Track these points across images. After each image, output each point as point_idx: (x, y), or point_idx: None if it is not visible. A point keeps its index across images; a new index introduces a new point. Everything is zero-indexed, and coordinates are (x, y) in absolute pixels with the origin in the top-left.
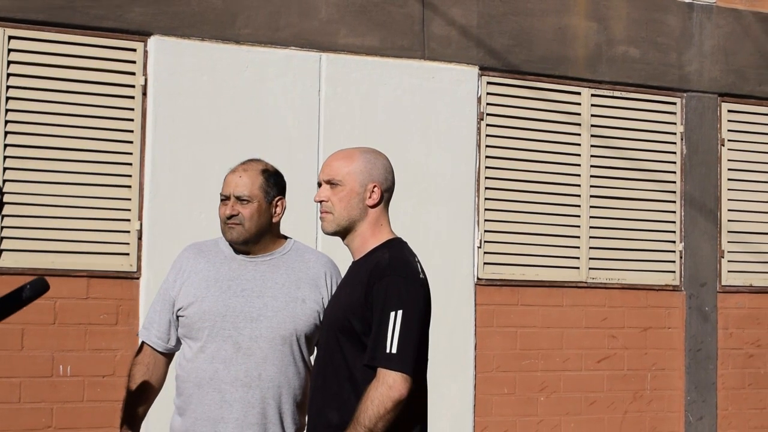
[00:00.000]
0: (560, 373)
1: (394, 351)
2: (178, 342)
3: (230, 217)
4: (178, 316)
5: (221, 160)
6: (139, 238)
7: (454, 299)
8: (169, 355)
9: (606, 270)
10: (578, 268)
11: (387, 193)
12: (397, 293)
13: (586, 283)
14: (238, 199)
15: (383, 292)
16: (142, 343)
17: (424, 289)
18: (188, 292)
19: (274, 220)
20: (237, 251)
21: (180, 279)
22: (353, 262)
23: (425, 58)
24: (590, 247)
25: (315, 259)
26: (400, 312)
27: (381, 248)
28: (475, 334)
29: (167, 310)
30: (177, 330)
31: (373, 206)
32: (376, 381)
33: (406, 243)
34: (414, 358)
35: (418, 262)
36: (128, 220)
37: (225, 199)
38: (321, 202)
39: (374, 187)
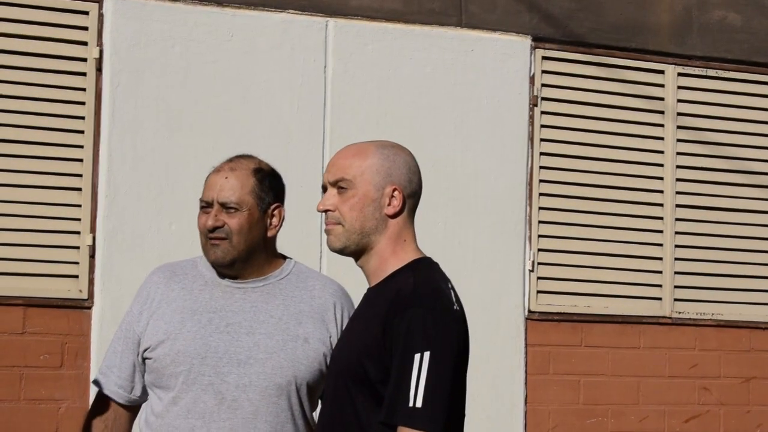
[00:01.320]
0: None
1: (419, 405)
2: (144, 392)
3: (213, 230)
4: (144, 359)
5: (197, 156)
6: (91, 256)
7: (499, 338)
8: (133, 409)
9: (696, 302)
10: (660, 299)
11: (411, 199)
12: (423, 330)
13: (670, 318)
14: (224, 206)
15: (405, 328)
16: (99, 393)
17: (458, 324)
18: (158, 328)
19: (270, 234)
20: (222, 275)
21: (147, 311)
22: (369, 289)
23: (462, 25)
24: (676, 272)
25: (321, 286)
26: (427, 354)
27: (403, 271)
28: (526, 383)
29: (131, 351)
30: (143, 376)
31: (394, 216)
32: None
33: (436, 264)
34: (445, 415)
35: (452, 289)
36: (77, 232)
37: (206, 206)
38: (326, 211)
39: (394, 190)
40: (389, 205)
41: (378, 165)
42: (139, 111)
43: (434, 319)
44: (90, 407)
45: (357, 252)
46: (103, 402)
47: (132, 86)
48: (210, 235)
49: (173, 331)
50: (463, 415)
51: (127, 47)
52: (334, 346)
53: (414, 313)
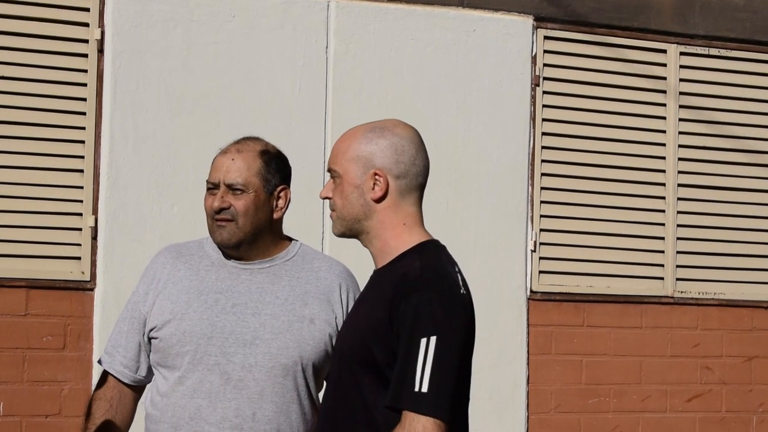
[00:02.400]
0: (638, 415)
1: (424, 390)
2: (150, 372)
3: (219, 211)
4: (150, 339)
5: (199, 137)
6: (94, 238)
7: (501, 319)
8: (137, 389)
9: (699, 281)
10: (662, 278)
11: (400, 180)
12: (430, 314)
13: (672, 298)
14: (230, 188)
15: (412, 312)
16: (104, 372)
17: (465, 308)
18: (164, 308)
19: (276, 215)
20: (228, 256)
21: (153, 291)
22: (375, 271)
23: (464, 5)
24: (678, 252)
25: (327, 267)
26: (433, 339)
27: (409, 254)
28: (528, 363)
29: (136, 331)
30: (149, 356)
31: (379, 200)
32: (400, 428)
33: (443, 247)
34: (451, 399)
35: (459, 272)
36: (79, 214)
37: (213, 188)
38: (327, 198)
39: (376, 175)
40: (372, 189)
41: (359, 150)
42: (141, 92)
43: (441, 303)
44: (95, 387)
45: (356, 236)
46: (107, 382)
47: (133, 67)
48: (216, 217)
49: (179, 311)
50: (468, 399)
51: (129, 28)
52: (339, 328)
53: (421, 297)
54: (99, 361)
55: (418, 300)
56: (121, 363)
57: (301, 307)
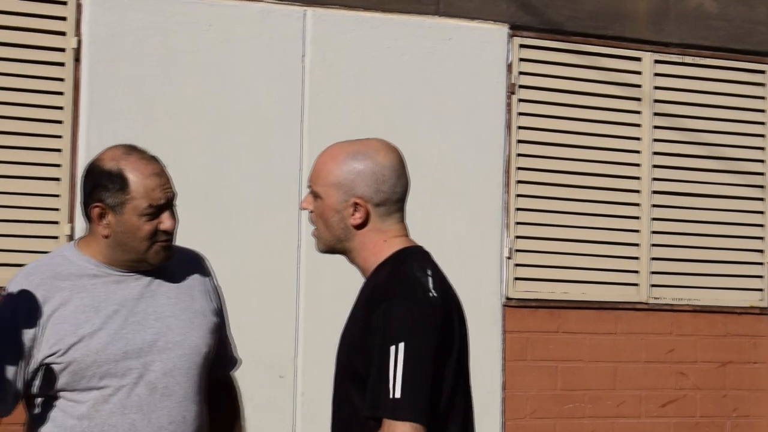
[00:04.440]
0: (614, 420)
1: (398, 395)
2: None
3: (171, 233)
4: (48, 366)
5: (176, 146)
6: None
7: (477, 325)
8: None
9: (673, 287)
10: (637, 284)
11: (381, 207)
12: (396, 321)
13: (647, 304)
14: (170, 204)
15: (381, 321)
16: None
17: (435, 311)
18: (63, 331)
19: None
20: (106, 266)
21: (35, 316)
22: (364, 282)
23: (440, 13)
24: (652, 258)
25: (190, 259)
26: (402, 345)
27: (383, 265)
28: (504, 370)
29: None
30: (38, 384)
31: (359, 227)
32: None
33: (420, 252)
34: (427, 403)
35: (432, 275)
36: (56, 222)
37: (158, 211)
38: (307, 210)
39: (356, 204)
40: (352, 216)
41: (341, 178)
42: (118, 101)
43: (408, 309)
44: None
45: (339, 253)
46: None
47: (110, 76)
48: (164, 239)
49: (83, 332)
50: (454, 401)
51: (105, 37)
52: (223, 317)
53: (388, 305)
54: None
55: (386, 308)
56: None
57: (191, 303)
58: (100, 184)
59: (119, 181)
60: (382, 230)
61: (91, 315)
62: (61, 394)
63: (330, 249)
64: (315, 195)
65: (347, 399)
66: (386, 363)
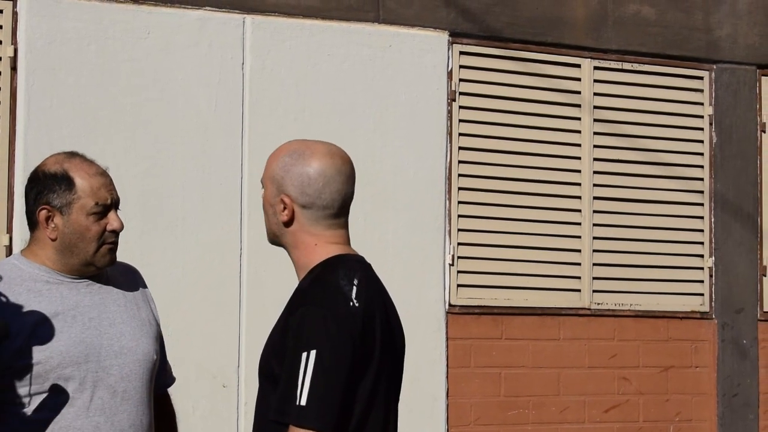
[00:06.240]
0: (557, 426)
1: (303, 402)
2: None
3: (117, 233)
4: (11, 369)
5: (115, 155)
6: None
7: (420, 332)
8: None
9: (615, 293)
10: (579, 290)
11: (308, 209)
12: (312, 328)
13: (589, 309)
14: (116, 206)
15: (296, 326)
16: None
17: (353, 321)
18: (24, 334)
19: None
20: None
21: None
22: None
23: (380, 21)
24: (594, 264)
25: (127, 270)
26: (313, 352)
27: (314, 269)
28: (447, 377)
29: None
30: None
31: (287, 224)
32: None
33: (351, 260)
34: (335, 413)
35: (356, 285)
36: None
37: (105, 209)
38: None
39: (282, 201)
40: (282, 212)
41: (275, 173)
42: (55, 110)
43: (323, 317)
44: None
45: (280, 246)
46: None
47: (48, 85)
48: (114, 240)
49: (45, 335)
50: (370, 414)
51: (42, 45)
52: (161, 330)
53: (305, 311)
54: None
55: (302, 314)
56: None
57: (137, 311)
58: (46, 188)
59: (65, 182)
60: (312, 233)
61: (51, 319)
62: (21, 398)
63: (271, 240)
64: (262, 185)
65: (264, 400)
66: (296, 369)
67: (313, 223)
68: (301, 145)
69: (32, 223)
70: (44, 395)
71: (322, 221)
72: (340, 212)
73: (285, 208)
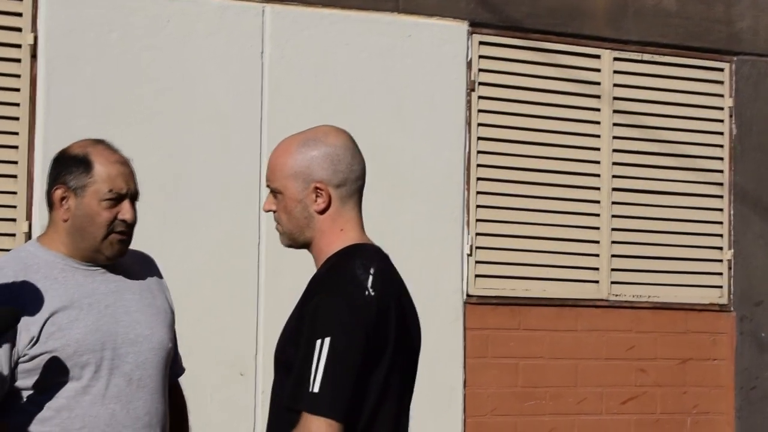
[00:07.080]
0: (574, 417)
1: (316, 390)
2: None
3: (130, 224)
4: (28, 357)
5: (134, 142)
6: None
7: (437, 322)
8: None
9: (633, 284)
10: (597, 282)
11: (341, 188)
12: (327, 316)
13: (607, 301)
14: (132, 198)
15: (312, 314)
16: None
17: (369, 310)
18: (40, 321)
19: None
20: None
21: (18, 307)
22: None
23: (399, 10)
24: (613, 255)
25: (142, 260)
26: (327, 340)
27: (332, 257)
28: (465, 367)
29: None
30: (16, 376)
31: (323, 211)
32: (297, 428)
33: (370, 250)
34: (347, 401)
35: (373, 274)
36: (13, 220)
37: (119, 198)
38: (271, 211)
39: (317, 188)
40: (315, 202)
41: (297, 167)
42: (75, 97)
43: (338, 305)
44: None
45: (303, 247)
46: None
47: (67, 73)
48: (124, 229)
49: (62, 322)
50: (384, 402)
51: (63, 33)
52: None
53: (320, 299)
54: None
55: (318, 302)
56: None
57: (153, 300)
58: (65, 168)
59: (84, 165)
60: (341, 216)
61: (67, 306)
62: (38, 385)
63: (293, 241)
64: (275, 192)
65: (281, 388)
66: (310, 356)
67: (345, 202)
68: (304, 134)
69: (50, 204)
70: (60, 382)
71: (353, 197)
72: (363, 186)
73: (318, 196)
